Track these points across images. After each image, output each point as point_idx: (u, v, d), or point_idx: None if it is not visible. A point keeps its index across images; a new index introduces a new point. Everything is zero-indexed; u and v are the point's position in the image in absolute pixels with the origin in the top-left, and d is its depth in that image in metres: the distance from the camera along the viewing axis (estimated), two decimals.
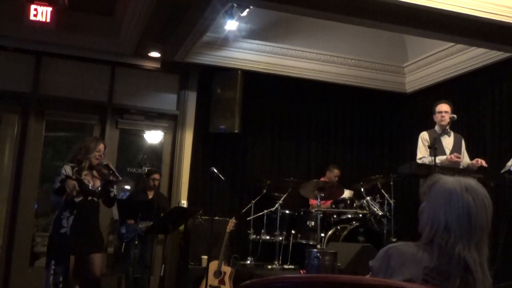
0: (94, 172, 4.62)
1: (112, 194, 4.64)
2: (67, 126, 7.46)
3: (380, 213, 6.21)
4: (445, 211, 1.70)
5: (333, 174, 7.14)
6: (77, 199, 4.43)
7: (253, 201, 6.57)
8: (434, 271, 1.65)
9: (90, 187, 4.53)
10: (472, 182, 1.75)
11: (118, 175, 4.68)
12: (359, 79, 7.61)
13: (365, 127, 8.01)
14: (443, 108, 5.26)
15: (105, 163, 4.66)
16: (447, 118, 5.20)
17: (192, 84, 7.21)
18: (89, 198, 4.53)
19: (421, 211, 1.79)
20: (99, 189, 4.59)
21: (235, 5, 5.02)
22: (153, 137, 7.48)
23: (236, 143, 7.31)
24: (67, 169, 4.46)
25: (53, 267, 4.25)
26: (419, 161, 5.17)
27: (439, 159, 4.84)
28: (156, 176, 6.45)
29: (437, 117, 5.28)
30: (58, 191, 4.42)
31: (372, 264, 1.79)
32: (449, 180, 1.76)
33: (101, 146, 4.65)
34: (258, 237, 6.46)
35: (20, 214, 6.48)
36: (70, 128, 7.52)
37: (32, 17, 5.81)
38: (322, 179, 6.93)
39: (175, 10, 5.49)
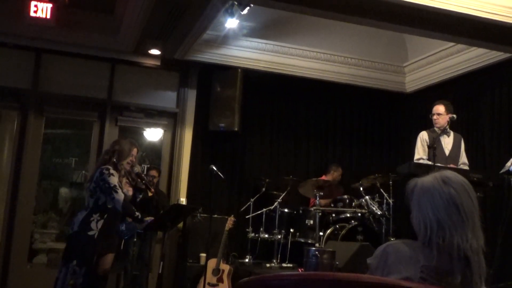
0: (125, 179, 4.59)
1: (138, 199, 4.62)
2: (66, 123, 7.47)
3: (378, 213, 6.22)
4: (432, 209, 1.72)
5: (338, 173, 7.17)
6: (110, 205, 4.39)
7: (252, 200, 6.59)
8: (433, 270, 1.66)
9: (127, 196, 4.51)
10: (447, 173, 1.79)
11: (150, 186, 4.63)
12: (359, 78, 7.60)
13: (365, 126, 8.01)
14: (436, 110, 5.23)
15: (137, 171, 4.63)
16: (440, 121, 5.18)
17: (192, 82, 7.21)
18: None
19: (412, 219, 1.81)
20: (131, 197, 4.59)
21: (236, 3, 5.02)
22: (153, 134, 7.48)
23: (235, 142, 7.31)
24: (114, 172, 4.40)
25: (75, 268, 4.19)
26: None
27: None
28: (153, 172, 6.45)
29: (432, 119, 5.29)
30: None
31: (370, 261, 1.79)
32: (426, 179, 1.78)
33: (135, 151, 4.58)
34: (256, 235, 6.46)
35: (19, 210, 6.48)
36: (69, 125, 7.53)
37: (32, 14, 5.81)
38: (323, 177, 6.94)
39: (175, 7, 5.50)
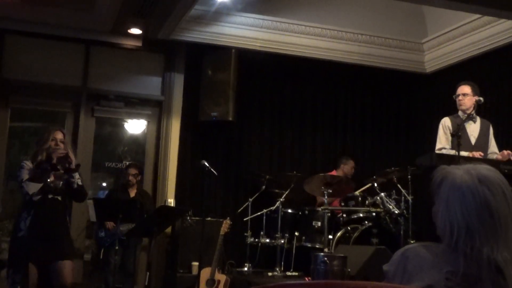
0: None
1: (75, 185, 4.55)
2: (35, 115, 7.47)
3: (396, 211, 6.23)
4: (462, 212, 1.70)
5: (349, 166, 7.21)
6: (36, 198, 4.39)
7: (251, 199, 6.59)
8: (460, 277, 1.66)
9: (48, 183, 4.49)
10: (483, 170, 1.75)
11: (69, 157, 4.48)
12: (372, 57, 7.61)
13: (379, 113, 8.02)
14: (461, 90, 5.24)
15: (61, 154, 4.63)
16: (466, 102, 5.18)
17: (179, 65, 7.20)
18: (50, 196, 4.49)
19: (434, 214, 1.80)
20: (61, 184, 4.55)
21: None
22: (135, 126, 7.49)
23: (230, 133, 7.32)
24: (28, 163, 4.50)
25: (11, 275, 4.26)
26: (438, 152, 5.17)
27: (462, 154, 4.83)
28: (133, 170, 6.45)
29: (456, 101, 5.29)
30: (34, 179, 4.43)
31: (386, 268, 1.79)
32: (458, 174, 1.75)
33: (57, 134, 4.63)
34: (256, 240, 6.48)
35: None
36: (39, 117, 7.53)
37: None
38: (333, 172, 6.95)
39: None
